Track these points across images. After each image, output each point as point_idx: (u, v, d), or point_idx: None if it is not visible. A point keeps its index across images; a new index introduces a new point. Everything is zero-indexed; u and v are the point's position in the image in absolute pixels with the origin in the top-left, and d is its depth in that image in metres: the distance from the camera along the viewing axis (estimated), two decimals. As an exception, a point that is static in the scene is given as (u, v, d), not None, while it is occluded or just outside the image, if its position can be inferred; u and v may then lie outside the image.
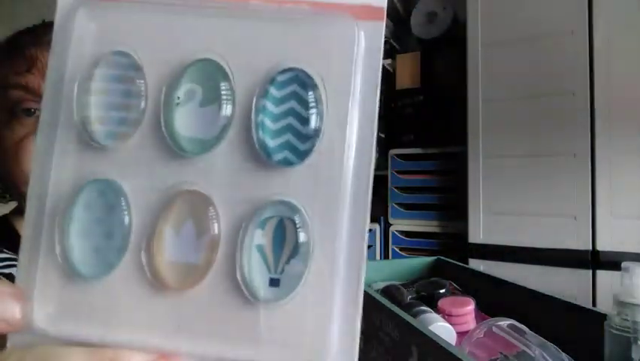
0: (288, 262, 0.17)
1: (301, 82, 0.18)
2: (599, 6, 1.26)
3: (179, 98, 0.18)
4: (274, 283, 0.17)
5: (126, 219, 0.18)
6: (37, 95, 0.51)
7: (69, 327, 0.18)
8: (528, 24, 1.37)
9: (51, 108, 0.19)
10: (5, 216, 0.59)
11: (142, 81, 0.19)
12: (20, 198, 0.55)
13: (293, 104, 0.18)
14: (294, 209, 0.18)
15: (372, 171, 0.18)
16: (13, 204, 0.60)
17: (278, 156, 0.18)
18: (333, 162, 0.18)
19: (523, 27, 1.38)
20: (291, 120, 0.18)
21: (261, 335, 0.17)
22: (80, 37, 0.19)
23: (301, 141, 0.18)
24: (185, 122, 0.18)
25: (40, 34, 0.54)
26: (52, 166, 0.19)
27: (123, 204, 0.18)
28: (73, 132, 0.19)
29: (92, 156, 0.19)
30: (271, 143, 0.18)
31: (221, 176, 0.18)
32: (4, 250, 0.52)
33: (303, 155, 0.18)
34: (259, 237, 0.18)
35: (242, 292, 0.17)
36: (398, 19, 1.99)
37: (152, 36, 0.19)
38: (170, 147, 0.18)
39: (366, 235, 0.18)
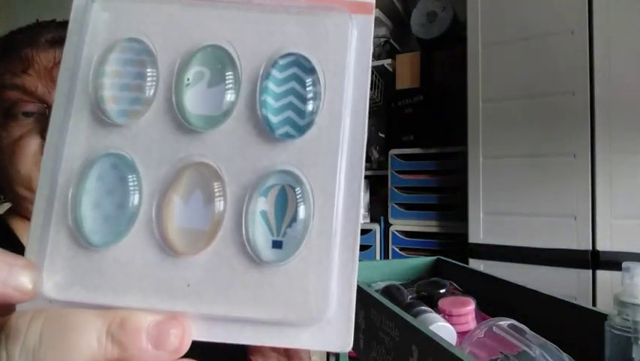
0: (289, 225, 0.19)
1: (300, 65, 0.20)
2: (599, 6, 1.26)
3: (188, 79, 0.20)
4: (277, 245, 0.19)
5: (137, 190, 0.19)
6: (35, 97, 0.51)
7: (78, 294, 0.18)
8: (528, 24, 1.37)
9: (66, 90, 0.20)
10: (0, 216, 0.59)
11: (154, 65, 0.20)
12: (15, 198, 0.55)
13: (293, 84, 0.20)
14: (295, 177, 0.19)
15: (364, 143, 0.20)
16: (8, 205, 0.60)
17: (280, 131, 0.20)
18: (330, 135, 0.20)
19: (523, 27, 1.38)
20: (291, 99, 0.20)
21: (265, 294, 0.19)
22: (95, 26, 0.20)
23: (301, 117, 0.20)
24: (194, 100, 0.20)
25: (35, 35, 0.54)
26: (65, 142, 0.19)
27: (135, 176, 0.19)
28: (88, 111, 0.20)
29: (106, 133, 0.20)
30: (274, 119, 0.20)
31: (228, 149, 0.20)
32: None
33: (302, 129, 0.20)
34: (262, 203, 0.19)
35: (247, 254, 0.19)
36: (398, 19, 1.99)
37: (165, 25, 0.21)
38: (180, 124, 0.20)
39: (361, 201, 0.20)
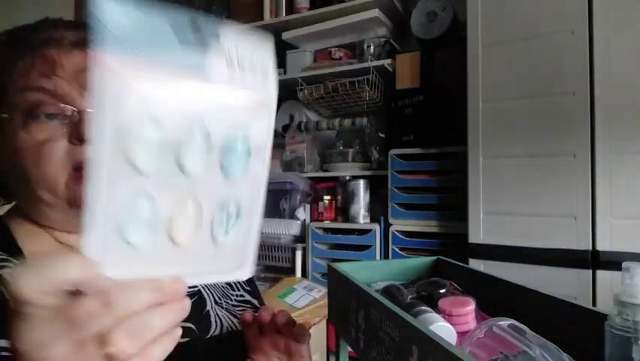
0: (234, 225, 0.35)
1: (245, 139, 0.34)
2: (599, 6, 1.26)
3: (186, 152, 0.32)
4: (227, 235, 0.35)
5: (155, 214, 0.31)
6: (64, 100, 0.50)
7: (125, 273, 0.29)
8: (528, 24, 1.37)
9: (103, 153, 0.27)
10: (0, 217, 0.58)
11: (165, 135, 0.31)
12: (33, 201, 0.53)
13: (240, 150, 0.34)
14: (236, 200, 0.35)
15: (266, 182, 0.36)
16: (8, 206, 0.59)
17: (232, 176, 0.34)
18: (255, 177, 0.35)
19: (523, 27, 1.38)
20: (237, 159, 0.34)
21: (220, 258, 0.35)
22: (112, 98, 0.27)
23: (242, 168, 0.34)
24: (191, 160, 0.32)
25: (58, 36, 0.53)
26: (105, 190, 0.28)
27: (155, 206, 0.31)
28: (120, 167, 0.29)
29: (134, 181, 0.30)
30: (229, 169, 0.34)
31: (207, 187, 0.33)
32: None
33: (242, 174, 0.34)
34: (221, 215, 0.34)
35: (214, 241, 0.34)
36: (398, 19, 1.99)
37: (170, 102, 0.30)
38: (180, 173, 0.32)
39: (262, 213, 0.37)
